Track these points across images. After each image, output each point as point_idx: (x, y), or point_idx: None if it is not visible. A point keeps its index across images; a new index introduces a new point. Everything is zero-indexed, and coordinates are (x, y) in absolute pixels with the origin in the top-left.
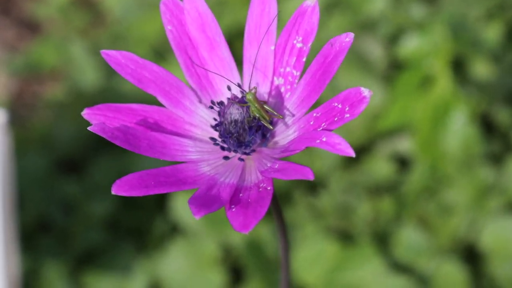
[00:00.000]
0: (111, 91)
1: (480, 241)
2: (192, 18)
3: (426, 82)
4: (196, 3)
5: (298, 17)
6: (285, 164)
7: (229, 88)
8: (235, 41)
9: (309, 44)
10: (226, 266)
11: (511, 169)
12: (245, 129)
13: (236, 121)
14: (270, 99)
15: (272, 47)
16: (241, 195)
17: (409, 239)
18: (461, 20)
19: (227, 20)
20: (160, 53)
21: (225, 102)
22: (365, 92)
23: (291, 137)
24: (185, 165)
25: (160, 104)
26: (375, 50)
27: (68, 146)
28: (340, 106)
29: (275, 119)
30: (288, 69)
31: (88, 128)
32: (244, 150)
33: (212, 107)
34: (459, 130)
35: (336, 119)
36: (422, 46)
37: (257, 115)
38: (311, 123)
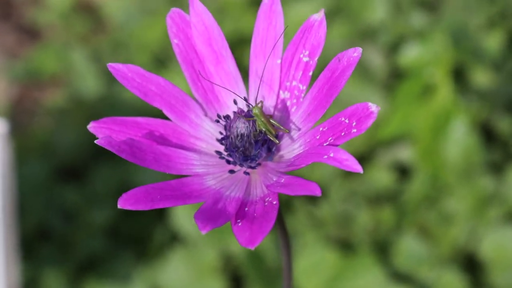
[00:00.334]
0: (111, 99)
1: (480, 250)
2: (199, 31)
3: (427, 91)
4: (203, 17)
5: (305, 31)
6: (292, 179)
7: (235, 102)
8: (235, 49)
9: (316, 58)
10: (226, 275)
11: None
12: (251, 143)
13: (242, 135)
14: (276, 113)
15: (279, 61)
16: (246, 209)
17: (409, 248)
18: (461, 28)
19: (228, 28)
20: (162, 60)
21: (231, 116)
22: (373, 107)
23: (297, 151)
24: (191, 179)
25: (165, 117)
26: (375, 58)
27: (69, 153)
28: (347, 121)
29: (280, 133)
30: (294, 83)
31: (95, 142)
32: (250, 164)
33: (218, 121)
34: (460, 139)
35: (343, 134)
36: (423, 54)
37: (263, 129)
38: (317, 137)
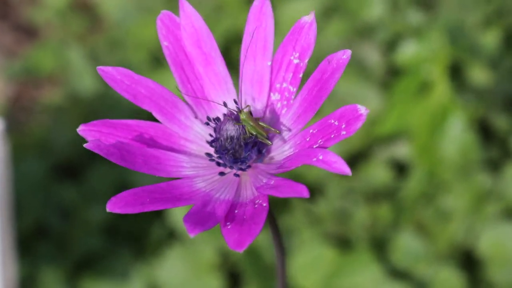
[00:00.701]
0: (108, 97)
1: (478, 247)
2: (188, 33)
3: (424, 88)
4: (192, 19)
5: (295, 33)
6: (281, 180)
7: (225, 104)
8: (232, 46)
9: (306, 60)
10: (223, 272)
11: (509, 175)
12: (241, 145)
13: (232, 137)
14: (267, 115)
15: (269, 63)
16: (236, 211)
17: (406, 245)
18: (458, 26)
19: (225, 26)
20: (158, 58)
21: (221, 118)
22: (362, 109)
23: (287, 153)
24: (181, 181)
25: (155, 120)
26: (373, 56)
27: (66, 151)
28: (336, 123)
29: (271, 134)
30: (284, 84)
31: (84, 146)
32: (240, 166)
33: (208, 123)
34: (457, 136)
35: (332, 136)
36: (420, 52)
37: (254, 132)
38: (307, 139)
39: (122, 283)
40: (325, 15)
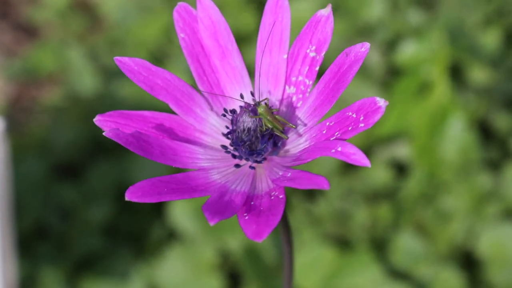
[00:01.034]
0: (108, 96)
1: (478, 247)
2: (205, 26)
3: (424, 88)
4: (210, 11)
5: (311, 26)
6: (298, 173)
7: (241, 96)
8: None
9: (322, 54)
10: (223, 272)
11: (509, 175)
12: (258, 137)
13: (249, 129)
14: (282, 108)
15: (285, 56)
16: (252, 203)
17: (406, 245)
18: (458, 26)
19: None
20: (158, 58)
21: (238, 110)
22: (381, 102)
23: (302, 146)
24: (196, 173)
25: (169, 111)
26: (373, 56)
27: (66, 151)
28: (354, 115)
29: (286, 128)
30: (300, 78)
31: (103, 134)
32: (256, 158)
33: (224, 115)
34: (457, 136)
35: (350, 128)
36: (420, 52)
37: (270, 126)
38: (324, 132)
39: (122, 283)
40: None
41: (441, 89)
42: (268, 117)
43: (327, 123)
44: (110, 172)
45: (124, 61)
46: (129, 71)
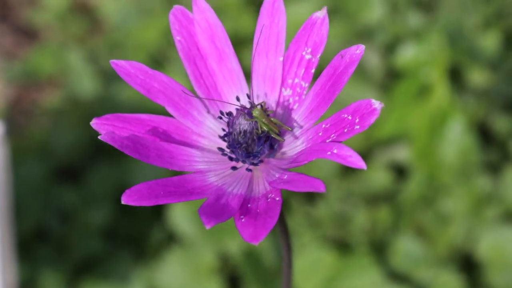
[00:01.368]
0: (108, 99)
1: (477, 250)
2: (202, 29)
3: (423, 91)
4: (206, 14)
5: (307, 29)
6: (295, 175)
7: (238, 99)
8: (234, 49)
9: (318, 56)
10: (223, 275)
11: (509, 178)
12: (254, 139)
13: (245, 131)
14: (279, 110)
15: (281, 58)
16: (249, 205)
17: (406, 248)
18: (458, 28)
19: (226, 28)
20: (158, 61)
21: (234, 112)
22: (376, 104)
23: (299, 148)
24: (193, 176)
25: (167, 114)
26: (372, 58)
27: (66, 154)
28: (350, 117)
29: (282, 130)
30: (296, 80)
31: (99, 137)
32: (252, 161)
33: (221, 118)
34: (456, 139)
35: (346, 130)
36: (419, 54)
37: (266, 129)
38: (320, 134)
39: (122, 286)
40: None
41: (441, 92)
42: (264, 120)
43: (323, 125)
44: (110, 175)
45: (120, 64)
46: (126, 74)
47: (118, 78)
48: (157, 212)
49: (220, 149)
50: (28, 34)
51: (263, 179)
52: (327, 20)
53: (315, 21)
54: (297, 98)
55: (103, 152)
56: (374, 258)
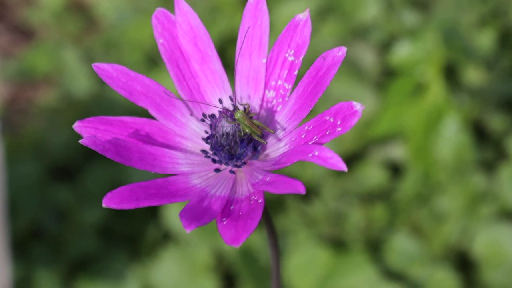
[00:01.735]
0: (103, 98)
1: (472, 248)
2: (184, 31)
3: (419, 89)
4: (188, 17)
5: (290, 30)
6: (277, 177)
7: (220, 101)
8: (228, 47)
9: (301, 58)
10: (218, 274)
11: (504, 176)
12: (237, 142)
13: (227, 134)
14: (262, 112)
15: (264, 60)
16: (232, 207)
17: (401, 246)
18: (453, 27)
19: (220, 27)
20: (154, 59)
21: (217, 115)
22: (357, 106)
23: (282, 150)
24: (176, 178)
25: (151, 117)
26: (367, 57)
27: (61, 153)
28: (332, 119)
29: (266, 132)
30: (279, 82)
31: (80, 141)
32: (236, 163)
33: (203, 120)
34: (452, 137)
35: (327, 132)
36: (414, 53)
37: (248, 131)
38: (303, 136)
39: (117, 284)
40: (320, 16)
41: (436, 90)
42: (246, 122)
43: (306, 127)
44: (105, 174)
45: (102, 67)
46: (108, 77)
47: None
48: (152, 211)
49: (203, 151)
50: (24, 33)
51: (246, 181)
52: (309, 22)
53: (297, 22)
54: (280, 100)
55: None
56: (369, 256)
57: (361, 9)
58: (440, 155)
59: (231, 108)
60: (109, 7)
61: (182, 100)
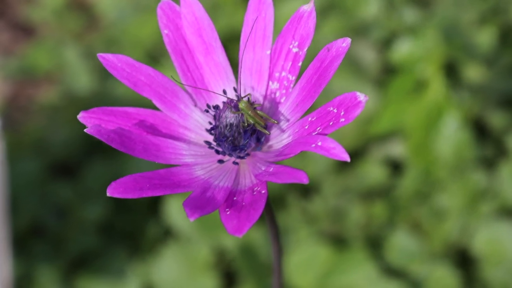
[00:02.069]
0: (104, 95)
1: (472, 245)
2: (189, 22)
3: (419, 86)
4: (193, 8)
5: (294, 22)
6: (280, 167)
7: (224, 92)
8: (229, 45)
9: (305, 49)
10: (219, 270)
11: (504, 173)
12: (240, 132)
13: (231, 124)
14: (265, 103)
15: (268, 52)
16: (235, 198)
17: (401, 243)
18: (453, 24)
19: (222, 24)
20: (155, 57)
21: (221, 106)
22: (361, 97)
23: (286, 141)
24: (179, 168)
25: (155, 108)
26: (368, 54)
27: (62, 150)
28: (335, 110)
29: (269, 123)
30: (283, 73)
31: (85, 130)
32: (239, 154)
33: (207, 111)
34: (452, 134)
35: (331, 123)
36: (415, 50)
37: (252, 122)
38: (306, 127)
39: (117, 281)
40: (321, 13)
41: (436, 87)
42: (250, 113)
43: (309, 118)
44: (105, 171)
45: (107, 58)
46: (112, 68)
47: None
48: (153, 207)
49: (207, 142)
50: (25, 31)
51: (249, 172)
52: (314, 13)
53: (302, 14)
54: (284, 91)
55: (98, 148)
56: (369, 253)
57: (362, 7)
58: (440, 152)
59: (235, 99)
60: (110, 4)
61: (186, 89)
